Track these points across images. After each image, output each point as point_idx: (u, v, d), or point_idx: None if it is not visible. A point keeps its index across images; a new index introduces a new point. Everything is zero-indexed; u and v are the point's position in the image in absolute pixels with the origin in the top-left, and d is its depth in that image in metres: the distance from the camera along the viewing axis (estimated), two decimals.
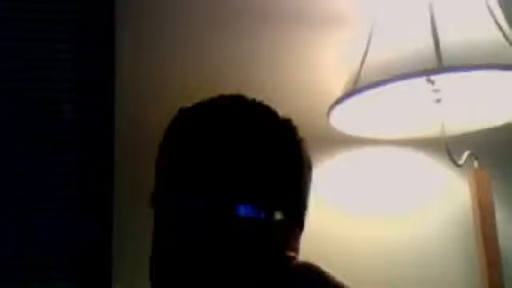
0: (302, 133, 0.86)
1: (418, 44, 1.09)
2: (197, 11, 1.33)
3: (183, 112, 0.85)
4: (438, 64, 1.07)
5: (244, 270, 0.76)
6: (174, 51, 1.31)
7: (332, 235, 1.25)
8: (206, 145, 0.79)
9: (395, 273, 1.25)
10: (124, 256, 1.21)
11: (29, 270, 1.25)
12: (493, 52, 1.09)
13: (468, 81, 1.16)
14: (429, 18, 1.11)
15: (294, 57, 1.33)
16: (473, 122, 1.25)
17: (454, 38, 1.09)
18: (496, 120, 1.25)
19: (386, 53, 1.13)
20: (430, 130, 1.21)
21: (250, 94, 0.85)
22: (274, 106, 0.85)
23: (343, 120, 1.22)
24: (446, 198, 1.31)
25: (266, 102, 0.85)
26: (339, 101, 1.16)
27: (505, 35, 1.12)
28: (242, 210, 0.77)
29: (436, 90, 1.15)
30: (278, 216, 0.80)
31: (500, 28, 1.13)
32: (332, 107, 1.18)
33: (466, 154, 1.22)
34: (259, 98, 0.85)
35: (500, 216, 1.27)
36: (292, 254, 0.83)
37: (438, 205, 1.30)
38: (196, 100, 0.85)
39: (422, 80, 1.11)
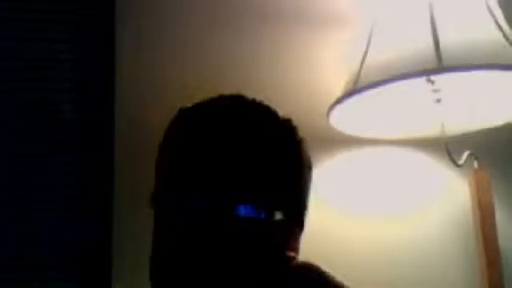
0: (302, 133, 0.86)
1: (418, 44, 1.09)
2: (197, 11, 1.33)
3: (183, 112, 0.85)
4: (438, 64, 1.07)
5: (244, 270, 0.76)
6: (174, 51, 1.31)
7: (332, 235, 1.25)
8: (205, 145, 0.79)
9: (395, 273, 1.25)
10: (124, 256, 1.21)
11: (29, 270, 1.25)
12: (493, 52, 1.09)
13: (468, 81, 1.16)
14: (429, 18, 1.11)
15: (294, 57, 1.33)
16: (473, 122, 1.25)
17: (453, 38, 1.09)
18: (496, 120, 1.25)
19: (386, 53, 1.13)
20: (430, 130, 1.21)
21: (250, 94, 0.85)
22: (274, 106, 0.85)
23: (343, 120, 1.22)
24: (445, 198, 1.31)
25: (266, 102, 0.85)
26: (339, 101, 1.16)
27: (505, 35, 1.12)
28: (242, 210, 0.77)
29: (436, 90, 1.16)
30: (278, 216, 0.80)
31: (500, 28, 1.13)
32: (332, 107, 1.18)
33: (465, 154, 1.22)
34: (259, 97, 0.85)
35: (500, 216, 1.27)
36: (292, 254, 0.83)
37: (437, 205, 1.30)
38: (196, 100, 0.85)
39: (422, 80, 1.11)
